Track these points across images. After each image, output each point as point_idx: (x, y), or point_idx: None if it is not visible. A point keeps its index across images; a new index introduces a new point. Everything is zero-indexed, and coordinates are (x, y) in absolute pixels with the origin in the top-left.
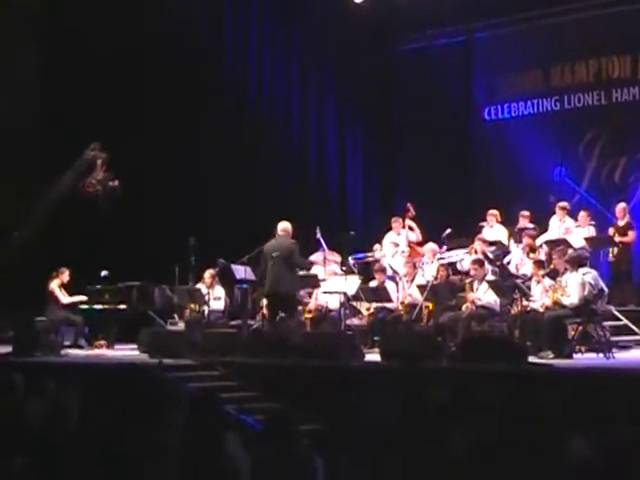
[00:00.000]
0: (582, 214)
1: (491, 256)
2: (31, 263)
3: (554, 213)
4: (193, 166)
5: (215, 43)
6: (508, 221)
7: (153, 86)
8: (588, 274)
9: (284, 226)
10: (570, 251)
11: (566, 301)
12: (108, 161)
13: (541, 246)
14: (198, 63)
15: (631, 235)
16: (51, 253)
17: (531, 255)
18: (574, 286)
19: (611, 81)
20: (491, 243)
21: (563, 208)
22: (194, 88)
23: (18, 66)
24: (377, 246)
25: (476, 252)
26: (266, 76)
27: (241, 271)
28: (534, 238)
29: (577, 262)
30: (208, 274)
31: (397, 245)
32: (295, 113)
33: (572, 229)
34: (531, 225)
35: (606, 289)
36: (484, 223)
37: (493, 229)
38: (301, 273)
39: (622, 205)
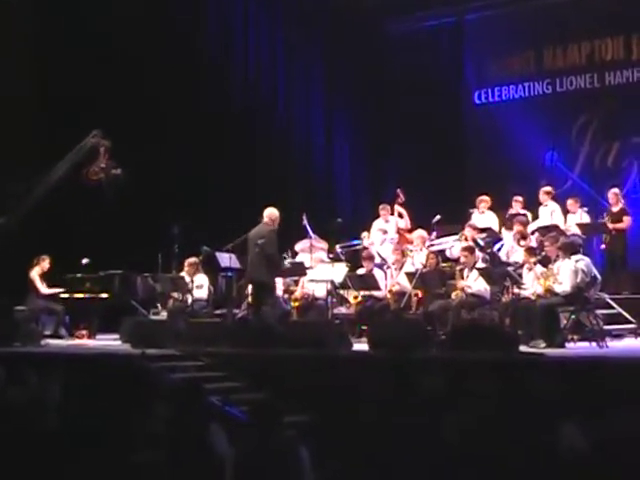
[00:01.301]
0: (570, 201)
1: (482, 243)
2: (11, 250)
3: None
4: (176, 152)
5: (198, 27)
6: (499, 207)
7: (130, 70)
8: (581, 261)
9: (268, 212)
10: (562, 238)
11: (558, 289)
12: (111, 149)
13: (533, 233)
14: (180, 48)
15: (625, 221)
16: (31, 240)
17: (522, 242)
18: (566, 273)
19: (604, 63)
20: (482, 230)
21: (547, 192)
22: (177, 74)
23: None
24: (365, 233)
25: (466, 239)
26: (252, 60)
27: (226, 259)
28: (525, 225)
29: (570, 249)
30: (190, 262)
31: (386, 232)
32: (282, 97)
33: (559, 215)
34: (524, 211)
35: (599, 277)
36: (474, 209)
37: (484, 215)
38: (288, 261)
39: (615, 190)
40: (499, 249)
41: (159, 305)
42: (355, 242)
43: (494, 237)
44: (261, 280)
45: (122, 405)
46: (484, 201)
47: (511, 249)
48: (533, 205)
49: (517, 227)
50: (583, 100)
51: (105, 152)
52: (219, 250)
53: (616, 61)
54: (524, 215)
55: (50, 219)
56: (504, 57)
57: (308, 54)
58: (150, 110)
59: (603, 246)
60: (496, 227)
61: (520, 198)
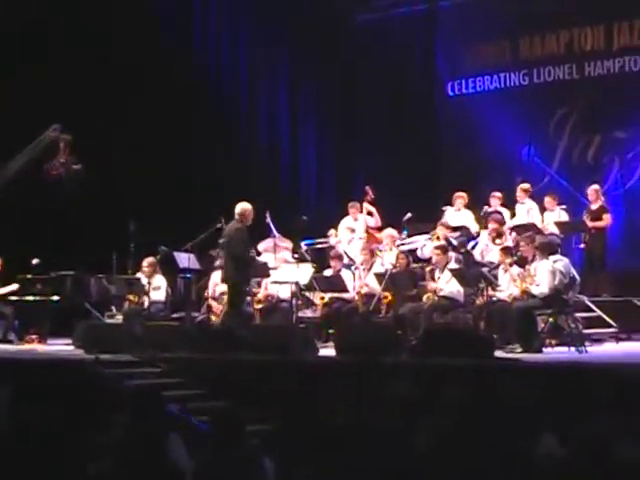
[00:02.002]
0: (547, 199)
1: (455, 242)
2: None
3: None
4: (132, 146)
5: (159, 17)
6: (473, 205)
7: (91, 64)
8: (559, 262)
9: (238, 208)
10: (539, 237)
11: (535, 291)
12: (72, 143)
13: (510, 233)
14: (140, 38)
15: (605, 219)
16: None
17: (497, 241)
18: (544, 274)
19: (584, 53)
20: (455, 228)
21: (525, 190)
22: (132, 64)
23: None
24: (332, 231)
25: (438, 238)
26: (212, 50)
27: (185, 259)
28: (501, 223)
29: (547, 249)
30: (147, 262)
31: (354, 231)
32: (245, 90)
33: (536, 213)
34: (502, 208)
35: (578, 278)
36: (447, 207)
37: (460, 213)
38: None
39: (595, 187)
40: (473, 247)
41: (114, 308)
42: (311, 241)
43: (468, 236)
44: (230, 280)
45: (75, 414)
46: (460, 197)
47: (486, 248)
48: (508, 202)
49: (492, 225)
50: (561, 92)
51: (65, 147)
52: (177, 250)
53: (596, 51)
54: (499, 213)
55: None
56: (479, 46)
57: (273, 46)
58: (105, 101)
59: (582, 245)
60: (472, 225)
61: (499, 194)
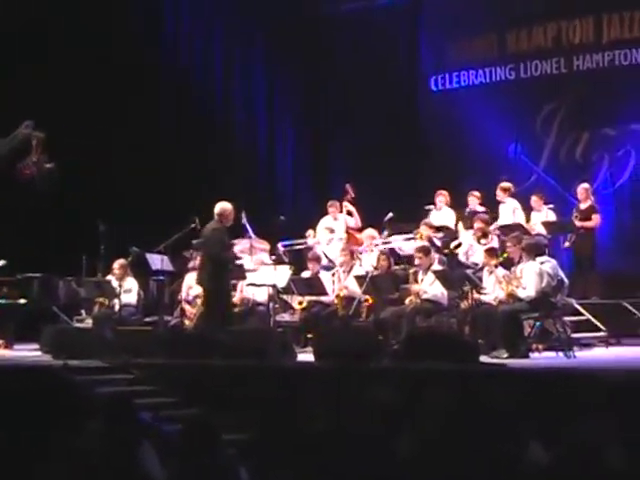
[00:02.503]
0: (534, 198)
1: (438, 243)
2: None
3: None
4: (103, 141)
5: (126, 12)
6: (457, 204)
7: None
8: (546, 263)
9: (217, 208)
10: (526, 238)
11: (522, 293)
12: (44, 141)
13: (498, 234)
14: (110, 36)
15: (594, 219)
16: None
17: (482, 241)
18: (531, 277)
19: (572, 47)
20: (438, 228)
21: (504, 189)
22: (105, 61)
23: None
24: (310, 232)
25: (422, 238)
26: (185, 48)
27: (157, 261)
28: (487, 222)
29: (534, 250)
30: (117, 264)
31: (333, 231)
32: (219, 86)
33: (519, 211)
34: (482, 208)
35: (566, 280)
36: (431, 206)
37: (441, 212)
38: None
39: (584, 186)
40: (456, 247)
41: (83, 312)
42: (289, 242)
43: (452, 236)
44: (205, 282)
45: (42, 423)
46: (442, 195)
47: (470, 249)
48: (493, 202)
49: (478, 224)
50: (549, 87)
51: (38, 145)
52: (150, 251)
53: (585, 44)
54: (485, 212)
55: None
56: (464, 39)
57: (248, 40)
58: (75, 96)
59: (567, 244)
60: (453, 225)
61: (477, 193)
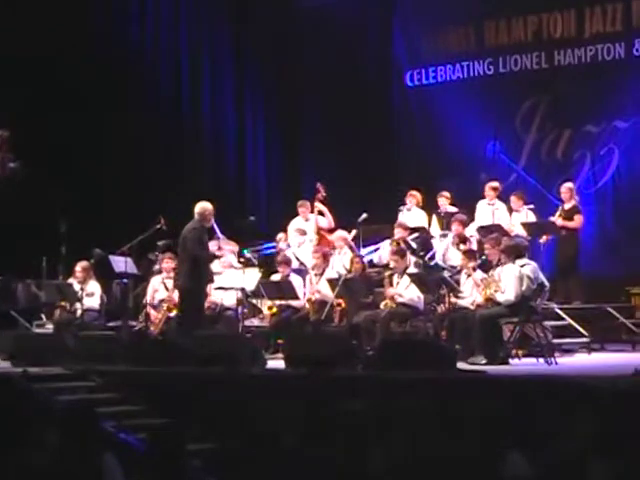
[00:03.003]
0: (513, 198)
1: (414, 245)
2: None
3: (483, 196)
4: (65, 139)
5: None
6: (433, 204)
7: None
8: (527, 266)
9: (197, 207)
10: (505, 239)
11: (500, 297)
12: (9, 139)
13: (473, 236)
14: (75, 32)
15: (577, 220)
16: None
17: (462, 247)
18: (510, 280)
19: (553, 41)
20: (413, 229)
21: (494, 188)
22: (67, 59)
23: None
24: (281, 235)
25: (398, 243)
26: (149, 39)
27: (121, 263)
28: (465, 224)
29: (514, 252)
30: (79, 267)
31: (304, 233)
32: (185, 81)
33: (504, 214)
34: (453, 208)
35: (547, 283)
36: (403, 207)
37: (411, 213)
38: None
39: (568, 185)
40: (433, 252)
41: (44, 316)
42: (263, 247)
43: (426, 237)
44: (184, 287)
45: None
46: (413, 196)
47: (446, 250)
48: (471, 202)
49: (456, 227)
50: (529, 82)
51: (2, 143)
52: (113, 253)
53: (566, 38)
54: (463, 213)
55: None
56: (439, 32)
57: (214, 34)
58: (39, 94)
59: (542, 240)
60: (425, 225)
61: (447, 193)
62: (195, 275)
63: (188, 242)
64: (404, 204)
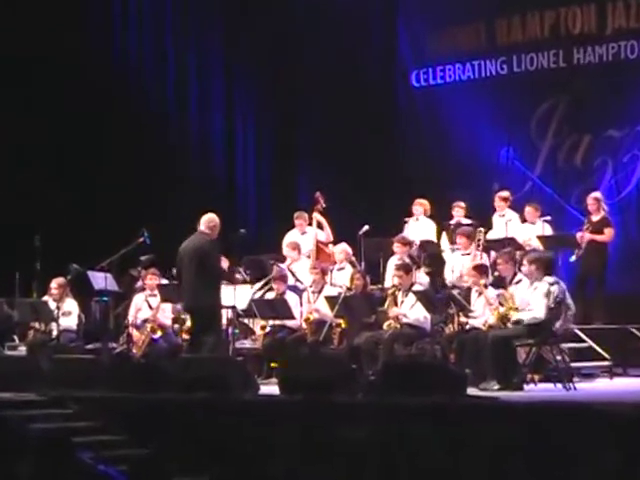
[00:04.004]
0: (528, 209)
1: (419, 259)
2: None
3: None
4: (41, 148)
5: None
6: (442, 215)
7: None
8: (555, 285)
9: (206, 219)
10: (533, 253)
11: (525, 316)
12: None
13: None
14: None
15: (608, 233)
16: None
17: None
18: (538, 296)
19: (572, 38)
20: (421, 245)
21: (504, 199)
22: (44, 66)
23: None
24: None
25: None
26: (133, 36)
27: (100, 280)
28: (471, 237)
29: (546, 266)
30: (55, 283)
31: (296, 248)
32: (171, 83)
33: (516, 226)
34: (467, 220)
35: (573, 307)
36: (409, 219)
37: (419, 223)
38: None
39: (595, 195)
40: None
41: (16, 337)
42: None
43: (432, 250)
44: (203, 305)
45: None
46: (421, 205)
47: (453, 266)
48: (485, 213)
49: (460, 240)
50: (546, 83)
51: None
52: (92, 269)
53: (587, 35)
54: (471, 225)
55: None
56: (448, 29)
57: (205, 31)
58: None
59: (574, 257)
60: (433, 238)
61: (462, 204)
62: (216, 293)
63: (209, 257)
64: (411, 215)
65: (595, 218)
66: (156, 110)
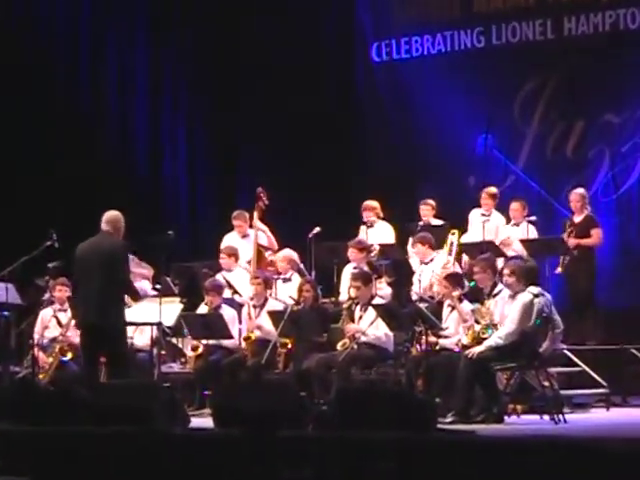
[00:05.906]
0: (513, 206)
1: (381, 267)
2: None
3: (475, 205)
4: None
5: None
6: (408, 215)
7: None
8: (541, 297)
9: (109, 217)
10: (517, 261)
11: (493, 335)
12: None
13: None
14: None
15: (595, 235)
16: None
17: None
18: (516, 309)
19: (562, 4)
20: (381, 249)
21: (492, 196)
22: None
23: None
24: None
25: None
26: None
27: (0, 292)
28: (432, 245)
29: (530, 276)
30: None
31: (232, 254)
32: (85, 68)
33: (502, 228)
34: (438, 221)
35: (562, 325)
36: (362, 226)
37: (375, 229)
38: None
39: (579, 191)
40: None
41: None
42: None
43: (395, 257)
44: (112, 322)
45: None
46: (369, 209)
47: (421, 274)
48: (459, 212)
49: (419, 249)
50: (531, 58)
51: None
52: None
53: (579, 2)
54: (441, 226)
55: None
56: None
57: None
58: None
59: (559, 269)
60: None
61: (431, 201)
62: (122, 307)
63: (121, 264)
64: (364, 222)
65: (578, 219)
66: (66, 92)
